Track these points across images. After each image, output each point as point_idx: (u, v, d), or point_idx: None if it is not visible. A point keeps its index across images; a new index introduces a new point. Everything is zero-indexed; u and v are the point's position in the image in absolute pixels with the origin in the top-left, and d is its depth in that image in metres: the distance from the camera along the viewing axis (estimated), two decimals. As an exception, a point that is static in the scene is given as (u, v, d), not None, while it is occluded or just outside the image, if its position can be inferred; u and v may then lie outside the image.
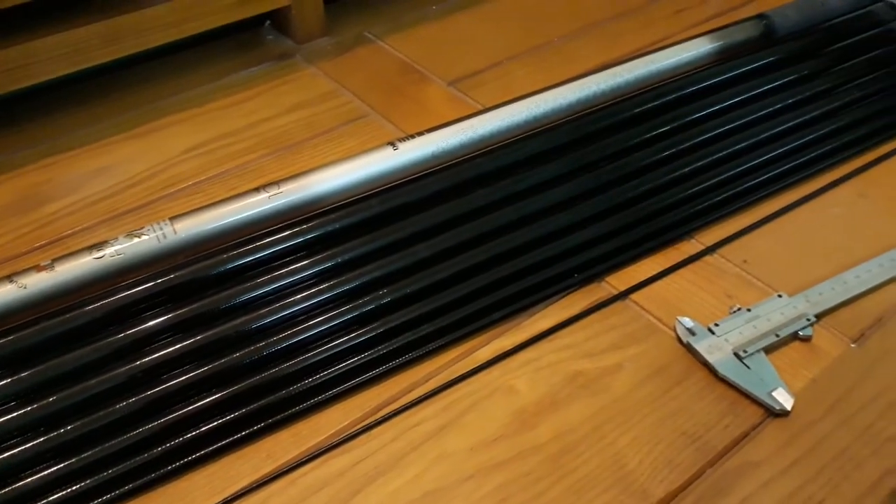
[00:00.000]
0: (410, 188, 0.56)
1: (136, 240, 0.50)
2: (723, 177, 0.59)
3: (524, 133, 0.62)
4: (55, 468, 0.42)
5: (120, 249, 0.50)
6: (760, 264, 0.54)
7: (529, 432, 0.44)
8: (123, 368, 0.45)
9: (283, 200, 0.54)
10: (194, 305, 0.48)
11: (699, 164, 0.60)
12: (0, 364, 0.45)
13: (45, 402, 0.43)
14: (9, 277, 0.48)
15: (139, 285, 0.48)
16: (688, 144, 0.61)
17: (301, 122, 0.67)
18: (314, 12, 0.77)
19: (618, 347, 0.49)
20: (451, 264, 0.52)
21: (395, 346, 0.48)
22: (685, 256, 0.54)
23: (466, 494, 0.41)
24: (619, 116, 0.62)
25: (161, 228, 0.51)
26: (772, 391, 0.45)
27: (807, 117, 0.65)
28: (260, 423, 0.45)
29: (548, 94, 0.64)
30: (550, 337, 0.49)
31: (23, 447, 0.42)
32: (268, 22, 0.79)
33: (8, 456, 0.42)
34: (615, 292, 0.52)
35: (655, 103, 0.63)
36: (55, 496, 0.41)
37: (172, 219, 0.52)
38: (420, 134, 0.59)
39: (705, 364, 0.47)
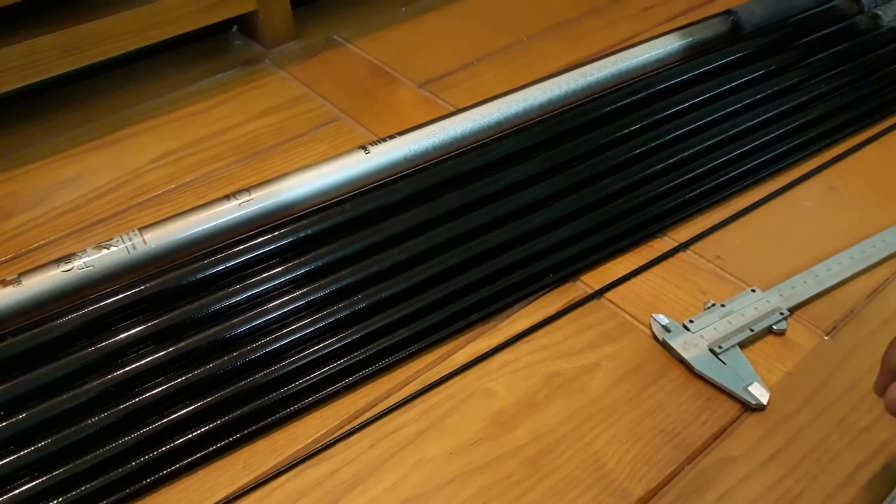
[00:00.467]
0: (383, 192, 0.56)
1: (104, 251, 0.49)
2: (694, 173, 0.59)
3: (496, 134, 0.62)
4: (27, 486, 0.41)
5: (88, 262, 0.49)
6: (733, 259, 0.54)
7: (508, 434, 0.44)
8: (95, 382, 0.44)
9: (254, 207, 0.53)
10: (166, 317, 0.47)
11: (670, 161, 0.60)
12: (-34, 382, 0.44)
13: (14, 419, 0.43)
14: (-27, 293, 0.47)
15: (109, 298, 0.47)
16: (659, 142, 0.61)
17: (271, 127, 0.66)
18: (282, 16, 0.76)
19: (594, 346, 0.49)
20: (426, 268, 0.51)
21: (371, 352, 0.47)
22: (658, 254, 0.54)
23: (447, 500, 0.41)
24: (589, 115, 0.62)
25: (130, 239, 0.50)
26: (748, 386, 0.45)
27: (775, 112, 0.65)
28: (236, 435, 0.44)
29: (518, 94, 0.64)
30: (527, 338, 0.49)
31: (-8, 467, 0.41)
32: (235, 27, 0.78)
33: (-24, 476, 0.41)
34: (590, 291, 0.52)
35: (625, 102, 0.64)
36: (26, 516, 0.40)
37: (142, 229, 0.51)
38: (391, 137, 0.59)
39: (681, 361, 0.47)
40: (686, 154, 0.60)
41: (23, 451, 0.42)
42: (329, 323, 0.48)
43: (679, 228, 0.57)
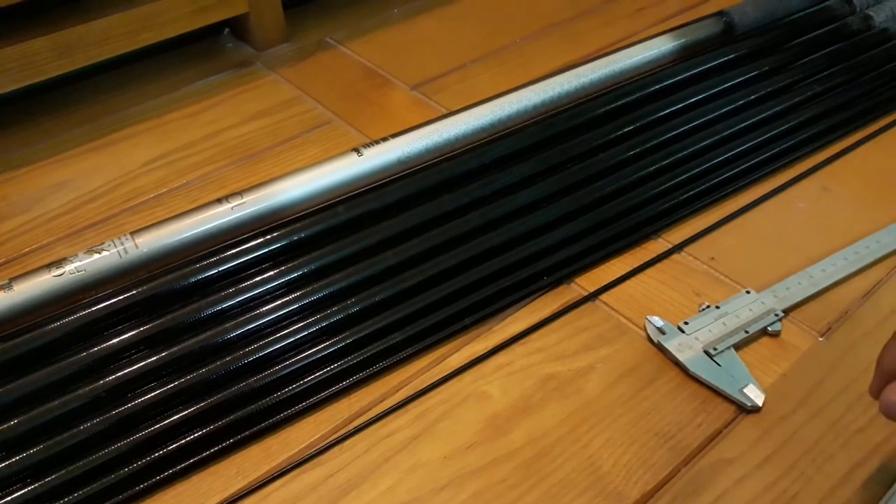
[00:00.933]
0: (376, 194, 0.55)
1: (96, 256, 0.49)
2: (688, 175, 0.59)
3: (489, 136, 0.62)
4: (19, 493, 0.40)
5: (80, 266, 0.48)
6: (727, 261, 0.54)
7: (503, 438, 0.44)
8: (87, 388, 0.44)
9: (246, 211, 0.53)
10: (158, 321, 0.47)
11: (664, 162, 0.60)
12: (-43, 389, 0.43)
13: (6, 425, 0.42)
14: (-36, 299, 0.46)
15: (101, 302, 0.47)
16: (652, 143, 0.61)
17: (263, 130, 0.66)
18: (273, 19, 0.76)
19: (589, 349, 0.49)
20: (420, 271, 0.51)
21: (365, 356, 0.47)
22: (653, 256, 0.54)
23: (442, 504, 0.41)
24: (583, 117, 0.62)
25: (122, 243, 0.50)
26: (743, 388, 0.45)
27: (769, 113, 0.65)
28: (229, 440, 0.44)
29: (512, 96, 0.64)
30: (522, 340, 0.49)
31: (-17, 474, 0.41)
32: (227, 30, 0.78)
33: (-33, 484, 0.41)
34: (585, 293, 0.52)
35: (619, 103, 0.64)
36: (18, 523, 0.40)
37: (134, 233, 0.51)
38: (384, 139, 0.59)
39: (676, 363, 0.47)
40: (680, 155, 0.60)
41: (15, 457, 0.41)
42: (322, 327, 0.48)
43: (673, 230, 0.57)
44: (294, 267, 0.50)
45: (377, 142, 0.59)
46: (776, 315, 0.49)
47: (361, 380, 0.46)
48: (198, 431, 0.44)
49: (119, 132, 0.66)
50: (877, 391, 0.37)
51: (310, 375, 0.46)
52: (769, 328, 0.49)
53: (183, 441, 0.43)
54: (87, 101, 0.69)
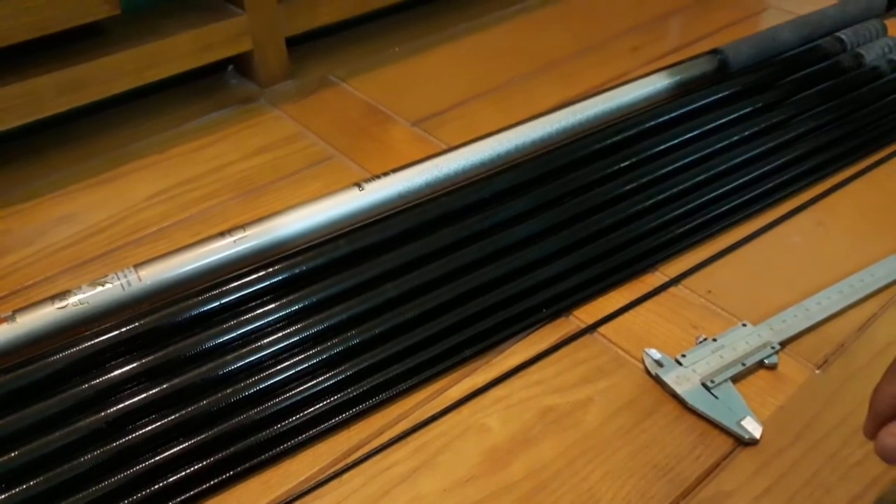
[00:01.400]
0: (377, 228, 0.56)
1: (99, 288, 0.49)
2: (684, 209, 0.60)
3: (488, 171, 0.63)
4: (17, 527, 0.41)
5: (83, 299, 0.49)
6: (724, 294, 0.55)
7: (502, 471, 0.44)
8: (88, 420, 0.44)
9: (248, 244, 0.54)
10: (159, 353, 0.47)
11: (660, 197, 0.61)
12: (-41, 421, 0.44)
13: (6, 457, 0.42)
14: (-32, 331, 0.47)
15: (103, 335, 0.47)
16: (648, 178, 0.62)
17: (266, 165, 0.67)
18: (277, 56, 0.77)
19: (587, 381, 0.49)
20: (419, 303, 0.52)
21: (364, 389, 0.47)
22: (650, 289, 0.55)
23: (440, 537, 0.41)
24: (580, 152, 0.63)
25: (125, 276, 0.50)
26: (740, 420, 0.45)
27: (763, 148, 0.66)
28: (228, 472, 0.44)
29: (510, 132, 0.65)
30: (521, 373, 0.49)
31: (-18, 506, 0.41)
32: (231, 66, 0.79)
33: (-34, 516, 0.41)
34: (583, 326, 0.52)
35: (616, 139, 0.65)
36: (16, 556, 0.40)
37: (137, 266, 0.51)
38: (385, 174, 0.60)
39: (674, 395, 0.47)
40: (676, 190, 0.61)
41: (14, 489, 0.41)
42: (322, 359, 0.48)
43: (670, 263, 0.57)
44: (295, 300, 0.51)
45: (378, 176, 0.59)
46: (773, 348, 0.50)
47: (361, 412, 0.47)
48: (197, 464, 0.44)
49: (123, 166, 0.67)
50: (871, 432, 0.37)
51: (310, 408, 0.46)
52: (766, 361, 0.49)
53: (183, 474, 0.43)
54: (91, 136, 0.70)
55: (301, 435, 0.45)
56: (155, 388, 0.46)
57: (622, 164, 0.63)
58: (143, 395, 0.46)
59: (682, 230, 0.59)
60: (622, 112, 0.69)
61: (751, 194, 0.63)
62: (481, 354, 0.50)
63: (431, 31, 0.87)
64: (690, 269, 0.57)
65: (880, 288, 0.55)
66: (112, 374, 0.46)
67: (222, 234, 0.54)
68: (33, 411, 0.44)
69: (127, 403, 0.45)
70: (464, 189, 0.60)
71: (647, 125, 0.66)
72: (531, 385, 0.49)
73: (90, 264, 0.57)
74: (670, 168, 0.63)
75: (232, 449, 0.44)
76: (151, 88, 0.72)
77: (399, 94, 0.76)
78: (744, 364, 0.49)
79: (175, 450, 0.44)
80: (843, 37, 0.79)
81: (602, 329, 0.52)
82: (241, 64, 0.78)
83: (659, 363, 0.49)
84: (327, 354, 0.48)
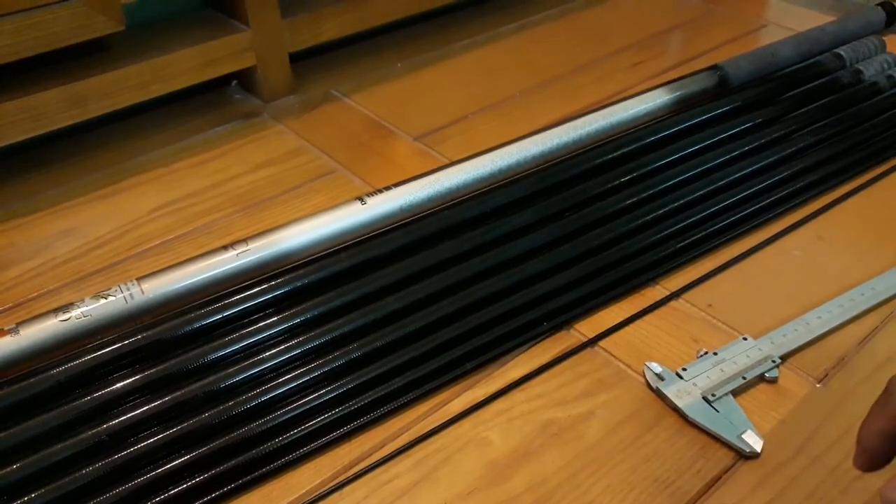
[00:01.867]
0: (379, 242, 0.56)
1: (102, 301, 0.50)
2: (684, 223, 0.60)
3: (490, 185, 0.63)
4: (18, 539, 0.41)
5: (86, 311, 0.49)
6: (725, 308, 0.55)
7: (504, 484, 0.44)
8: (90, 432, 0.44)
9: (251, 258, 0.54)
10: (161, 366, 0.47)
11: (661, 211, 0.61)
12: (-39, 433, 0.44)
13: (7, 470, 0.42)
14: (-29, 343, 0.47)
15: (105, 347, 0.48)
16: (649, 193, 0.62)
17: (269, 179, 0.67)
18: (281, 71, 0.78)
19: (589, 395, 0.49)
20: (421, 316, 0.52)
21: (365, 402, 0.47)
22: (651, 302, 0.55)
23: (441, 550, 0.41)
24: (581, 167, 0.64)
25: (128, 289, 0.51)
26: (741, 434, 0.46)
27: (763, 163, 0.67)
28: (230, 485, 0.44)
29: (512, 147, 0.65)
30: (522, 386, 0.49)
31: (-16, 519, 0.41)
32: (234, 81, 0.80)
33: (-32, 528, 0.41)
34: (584, 339, 0.52)
35: (616, 154, 0.65)
36: (17, 569, 0.40)
37: (140, 279, 0.51)
38: (388, 188, 0.60)
39: (675, 409, 0.47)
40: (676, 204, 0.62)
41: (16, 502, 0.41)
42: (324, 372, 0.48)
43: (671, 277, 0.57)
44: (297, 313, 0.51)
45: (380, 190, 0.60)
46: (773, 361, 0.50)
47: (362, 425, 0.47)
48: (199, 476, 0.44)
49: (127, 180, 0.67)
50: (861, 465, 0.35)
51: (311, 420, 0.47)
52: (766, 374, 0.49)
53: (184, 486, 0.43)
54: (95, 149, 0.71)
55: (302, 448, 0.45)
56: (157, 400, 0.46)
57: (623, 179, 0.63)
58: (145, 408, 0.46)
59: (682, 244, 0.59)
60: (623, 127, 0.70)
61: (751, 208, 0.63)
62: (482, 367, 0.50)
63: (433, 48, 0.88)
64: (691, 282, 0.57)
65: (881, 302, 0.55)
66: (114, 387, 0.46)
67: (225, 248, 0.54)
68: (35, 423, 0.44)
69: (129, 416, 0.45)
70: (465, 203, 0.60)
71: (648, 140, 0.67)
72: (532, 398, 0.49)
73: (93, 277, 0.57)
74: (671, 182, 0.63)
75: (233, 461, 0.45)
76: (155, 103, 0.73)
77: (401, 110, 0.77)
78: (744, 378, 0.49)
79: (176, 462, 0.44)
80: (842, 53, 0.80)
81: (603, 342, 0.52)
82: (244, 79, 0.79)
83: (660, 377, 0.49)
84: (329, 367, 0.49)
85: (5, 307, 0.55)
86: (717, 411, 0.47)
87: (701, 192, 0.63)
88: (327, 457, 0.45)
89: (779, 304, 0.55)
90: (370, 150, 0.71)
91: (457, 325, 0.52)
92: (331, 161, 0.70)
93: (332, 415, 0.47)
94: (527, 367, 0.51)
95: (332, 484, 0.44)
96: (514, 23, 0.93)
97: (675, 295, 0.56)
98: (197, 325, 0.50)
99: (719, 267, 0.58)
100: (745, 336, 0.52)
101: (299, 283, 0.53)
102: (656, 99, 0.72)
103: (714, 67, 0.76)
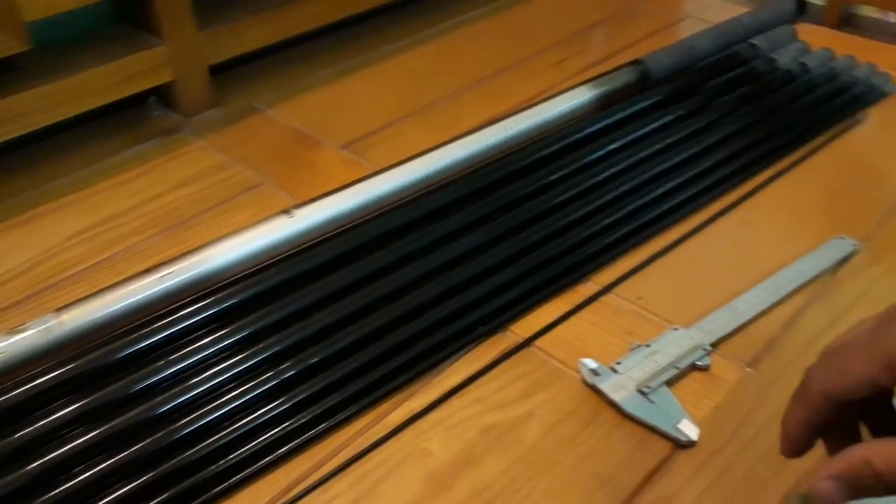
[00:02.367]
0: (308, 255, 0.55)
1: (18, 336, 0.48)
2: (613, 218, 0.61)
3: (420, 191, 0.63)
4: None
5: (1, 348, 0.47)
6: (655, 300, 0.55)
7: (445, 494, 0.43)
8: (15, 474, 0.42)
9: (176, 280, 0.52)
10: (86, 400, 0.46)
11: (589, 207, 0.61)
12: None
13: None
14: None
15: (26, 384, 0.46)
16: (577, 190, 0.63)
17: (191, 197, 0.66)
18: (200, 85, 0.76)
19: (527, 396, 0.49)
20: (355, 329, 0.51)
21: (302, 421, 0.47)
22: (583, 298, 0.55)
23: (386, 566, 0.40)
24: (509, 168, 0.64)
25: (46, 322, 0.48)
26: (677, 423, 0.46)
27: (687, 154, 0.68)
28: (166, 517, 0.42)
29: (440, 151, 0.65)
30: (460, 393, 0.49)
31: None
32: (153, 97, 0.78)
33: None
34: (520, 340, 0.52)
35: (543, 153, 0.65)
36: None
37: (58, 310, 0.49)
38: (315, 200, 0.59)
39: (612, 403, 0.48)
40: (604, 200, 0.62)
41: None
42: (258, 394, 0.47)
43: (602, 272, 0.58)
44: (227, 334, 0.50)
45: (307, 202, 0.59)
46: (704, 350, 0.51)
47: (299, 445, 0.46)
48: (133, 510, 0.42)
49: (42, 206, 0.65)
50: (787, 453, 0.36)
51: (248, 444, 0.45)
52: (698, 363, 0.50)
53: (117, 522, 0.42)
54: (7, 175, 0.68)
55: (239, 473, 0.44)
56: (84, 436, 0.44)
57: (550, 178, 0.63)
58: (74, 443, 0.44)
59: (611, 239, 0.60)
60: (549, 126, 0.70)
61: (677, 200, 0.64)
62: (420, 376, 0.50)
63: (357, 54, 0.87)
64: (621, 276, 0.57)
65: (805, 282, 0.56)
66: (37, 426, 0.44)
67: (148, 272, 0.52)
68: (-48, 469, 0.42)
69: (58, 452, 0.44)
70: (395, 210, 0.60)
71: (573, 138, 0.67)
72: (471, 404, 0.48)
73: (8, 311, 0.55)
74: (598, 179, 0.64)
75: (169, 493, 0.43)
76: (72, 123, 0.71)
77: (327, 118, 0.76)
78: (677, 367, 0.49)
79: (112, 496, 0.42)
80: (756, 43, 0.82)
81: (539, 342, 0.52)
82: (163, 94, 0.77)
83: (595, 372, 0.49)
84: (262, 388, 0.47)
85: (-84, 348, 0.52)
86: (653, 403, 0.47)
87: (627, 187, 0.64)
88: (265, 480, 0.44)
89: (707, 292, 0.56)
90: (296, 161, 0.70)
91: (392, 335, 0.51)
92: (256, 175, 0.68)
93: (269, 437, 0.46)
94: (465, 372, 0.50)
95: (270, 508, 0.43)
96: (439, 24, 0.93)
97: (606, 290, 0.56)
98: (124, 352, 0.48)
99: (648, 259, 0.59)
100: (676, 326, 0.53)
101: (228, 303, 0.51)
102: (580, 96, 0.73)
103: (635, 62, 0.77)
